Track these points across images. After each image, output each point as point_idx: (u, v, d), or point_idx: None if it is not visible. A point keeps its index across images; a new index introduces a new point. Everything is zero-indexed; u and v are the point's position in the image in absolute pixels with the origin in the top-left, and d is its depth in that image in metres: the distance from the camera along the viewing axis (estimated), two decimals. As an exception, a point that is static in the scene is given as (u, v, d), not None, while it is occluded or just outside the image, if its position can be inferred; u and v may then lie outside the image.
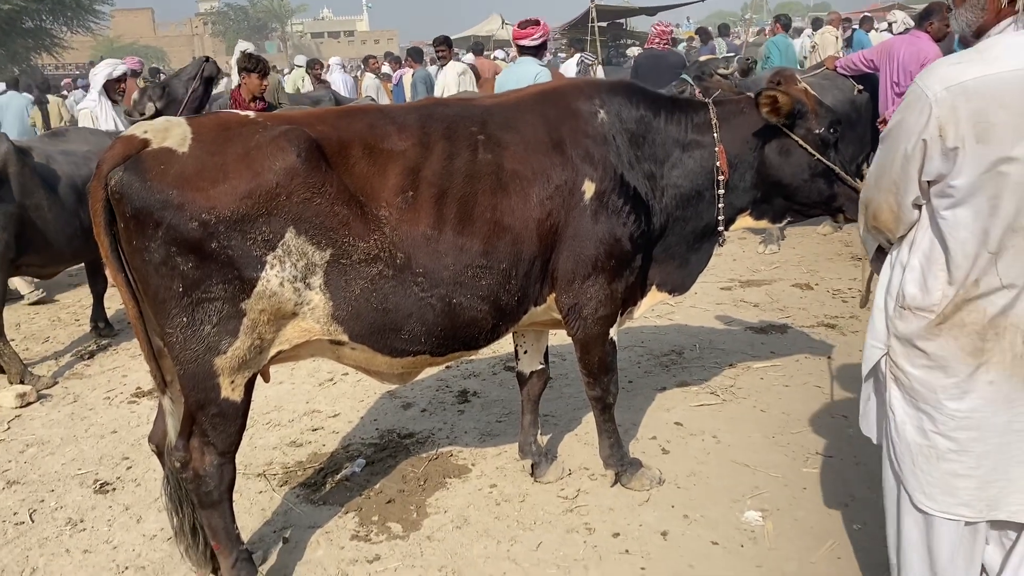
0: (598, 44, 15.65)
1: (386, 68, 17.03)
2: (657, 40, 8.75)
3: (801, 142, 3.33)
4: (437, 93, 9.15)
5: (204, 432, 2.87)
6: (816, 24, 10.20)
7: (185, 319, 2.70)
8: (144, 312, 2.79)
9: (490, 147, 3.09)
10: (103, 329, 6.28)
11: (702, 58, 8.28)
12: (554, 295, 3.29)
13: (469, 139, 3.08)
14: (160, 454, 3.11)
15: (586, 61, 10.08)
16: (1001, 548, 2.41)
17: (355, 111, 3.26)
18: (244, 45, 8.57)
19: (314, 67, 13.66)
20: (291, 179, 2.72)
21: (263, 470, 4.08)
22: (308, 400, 4.92)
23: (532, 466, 3.75)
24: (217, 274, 2.68)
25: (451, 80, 9.61)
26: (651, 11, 21.06)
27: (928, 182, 2.19)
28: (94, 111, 6.86)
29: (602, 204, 3.19)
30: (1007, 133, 2.01)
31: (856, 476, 3.64)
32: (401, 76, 13.95)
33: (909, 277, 2.29)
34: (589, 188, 3.17)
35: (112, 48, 55.87)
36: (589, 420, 4.33)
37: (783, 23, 10.28)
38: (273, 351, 2.90)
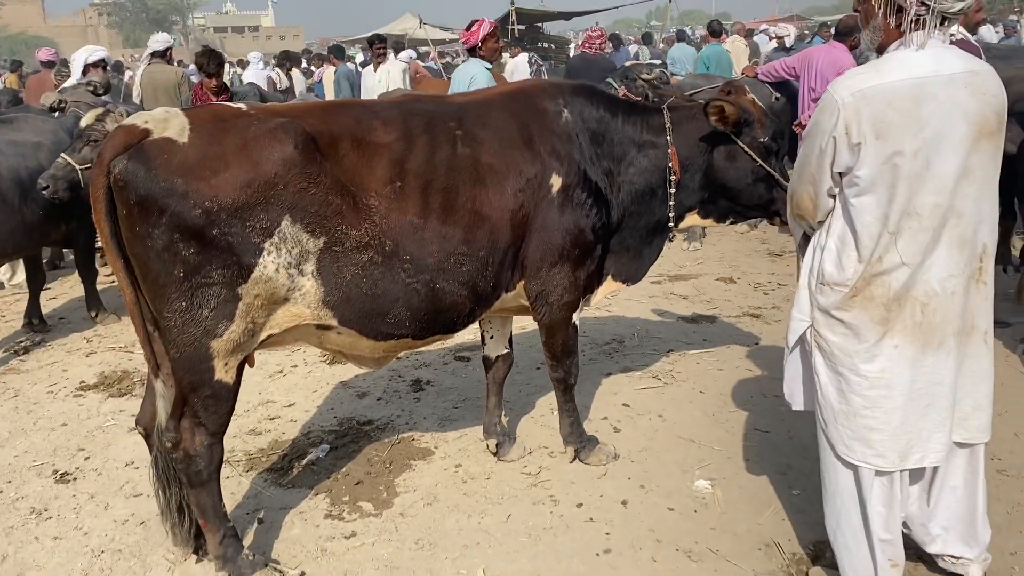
0: (509, 47, 15.94)
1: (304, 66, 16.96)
2: (587, 44, 9.10)
3: (747, 149, 3.63)
4: (380, 90, 9.19)
5: (196, 413, 2.97)
6: (713, 30, 10.49)
7: (184, 303, 2.80)
8: (140, 298, 2.88)
9: (467, 142, 3.28)
10: (37, 325, 6.14)
11: (628, 63, 8.63)
12: (523, 282, 3.50)
13: (448, 134, 3.27)
14: (147, 436, 3.17)
15: (538, 62, 10.32)
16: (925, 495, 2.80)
17: (339, 105, 3.39)
18: (161, 37, 8.42)
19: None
20: (288, 169, 2.85)
21: (227, 457, 4.07)
22: (260, 392, 4.98)
23: (496, 445, 3.95)
24: (217, 260, 2.79)
25: (397, 77, 9.71)
26: (567, 16, 21.56)
27: (840, 174, 2.56)
28: None
29: (567, 197, 3.42)
30: (898, 131, 2.41)
31: (790, 448, 3.98)
32: (322, 74, 13.95)
33: (827, 257, 2.66)
34: (556, 182, 3.40)
35: (-1, 38, 53.05)
36: (542, 404, 4.59)
37: (713, 31, 10.59)
38: (264, 335, 3.02)
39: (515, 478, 3.83)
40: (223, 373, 2.93)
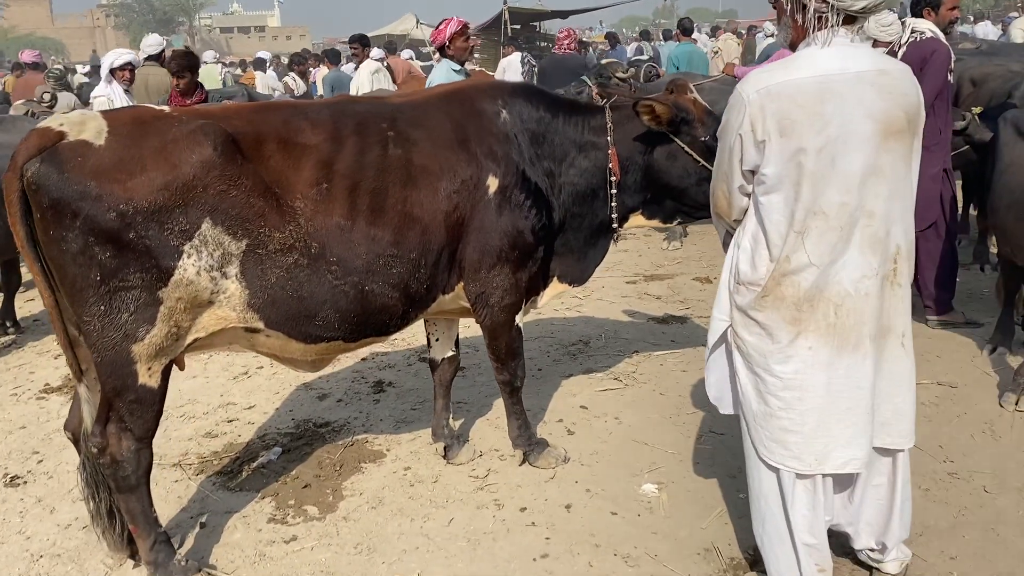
0: (501, 47, 15.91)
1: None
2: (562, 44, 9.09)
3: (687, 148, 3.58)
4: (352, 92, 9.22)
5: (121, 418, 2.95)
6: (684, 29, 10.40)
7: (103, 307, 2.77)
8: (60, 302, 2.86)
9: (400, 143, 3.25)
10: (9, 328, 6.15)
11: (604, 61, 8.60)
12: (462, 284, 3.47)
13: (380, 135, 3.24)
14: (76, 441, 3.16)
15: (531, 61, 10.29)
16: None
17: (269, 107, 3.37)
18: (152, 39, 8.41)
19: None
20: (207, 172, 2.83)
21: (179, 460, 4.13)
22: (223, 393, 4.97)
23: (445, 448, 3.92)
24: (134, 263, 2.77)
25: (364, 79, 9.71)
26: (563, 14, 21.50)
27: (750, 172, 2.54)
28: (110, 97, 7.07)
29: (505, 198, 3.39)
30: (802, 128, 2.38)
31: (743, 451, 3.93)
32: (316, 76, 13.94)
33: (742, 256, 2.64)
34: (493, 183, 3.37)
35: (7, 39, 53.31)
36: (499, 406, 4.51)
37: (684, 28, 10.57)
38: (190, 339, 3.00)
39: (462, 481, 3.79)
40: (147, 377, 2.91)
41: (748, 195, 2.60)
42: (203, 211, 2.83)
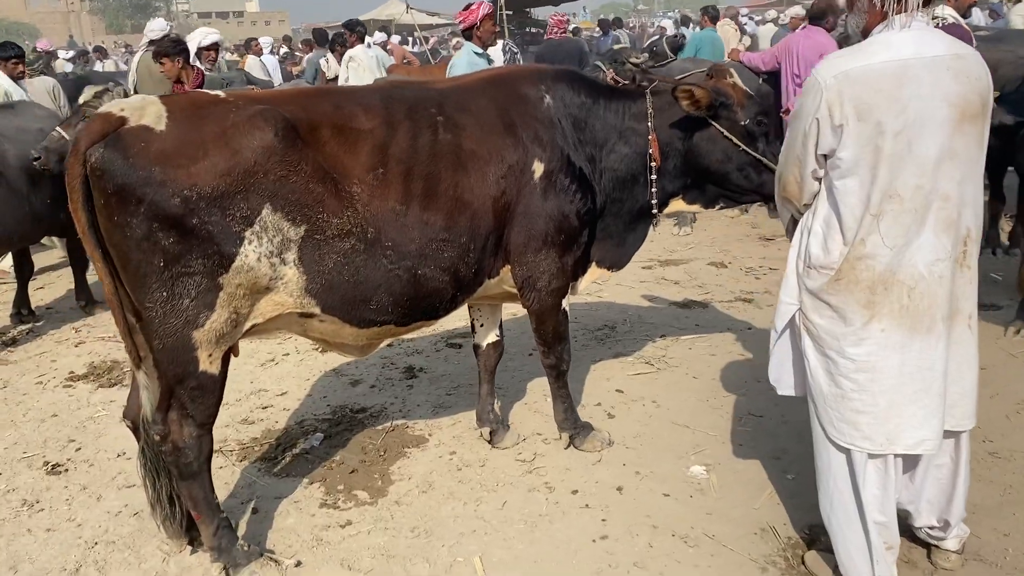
0: (506, 31, 15.84)
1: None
2: (556, 30, 9.10)
3: (726, 132, 3.59)
4: (342, 78, 9.22)
5: (183, 405, 2.94)
6: (711, 16, 10.33)
7: (165, 293, 2.76)
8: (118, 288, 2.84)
9: (449, 128, 3.25)
10: (25, 316, 6.09)
11: (616, 46, 8.61)
12: (509, 268, 3.49)
13: (430, 120, 3.24)
14: (135, 429, 3.14)
15: (512, 49, 10.25)
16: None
17: (319, 92, 3.36)
18: (156, 24, 8.29)
19: (252, 47, 13.32)
20: (268, 157, 2.82)
21: (219, 447, 4.09)
22: (252, 380, 4.95)
23: (491, 433, 3.94)
24: (197, 249, 2.76)
25: (333, 64, 9.72)
26: (556, 0, 21.45)
27: (824, 156, 2.56)
28: None
29: (550, 183, 3.40)
30: (880, 112, 2.41)
31: (784, 432, 3.99)
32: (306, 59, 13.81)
33: (813, 240, 2.66)
34: (538, 168, 3.38)
35: (-20, 24, 52.37)
36: (535, 391, 4.58)
37: (711, 16, 10.47)
38: (248, 324, 2.99)
39: (510, 465, 3.82)
40: (208, 364, 2.91)
41: (819, 180, 2.62)
42: (263, 197, 2.82)
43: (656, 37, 8.35)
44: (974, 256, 2.61)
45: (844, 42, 10.62)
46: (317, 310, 3.06)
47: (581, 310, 5.82)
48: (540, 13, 22.76)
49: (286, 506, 3.59)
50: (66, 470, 3.98)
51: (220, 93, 3.03)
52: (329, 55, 11.29)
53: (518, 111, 3.43)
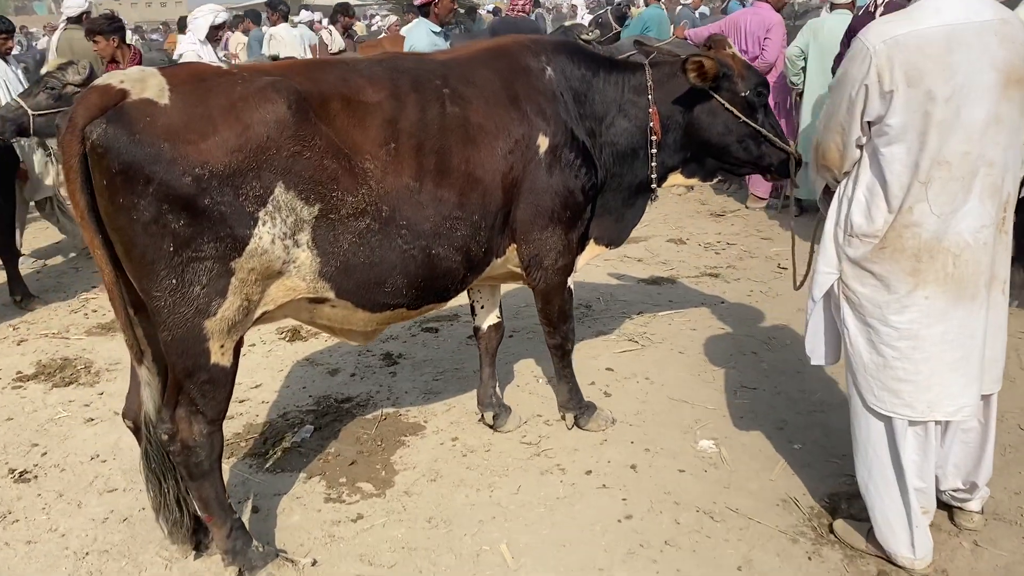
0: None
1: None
2: (515, 8, 8.93)
3: (727, 104, 3.55)
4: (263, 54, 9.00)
5: (192, 400, 2.74)
6: None
7: (174, 281, 2.55)
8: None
9: (456, 101, 3.12)
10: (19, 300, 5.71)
11: (567, 23, 8.52)
12: (514, 247, 3.38)
13: (436, 92, 3.10)
14: (136, 430, 2.91)
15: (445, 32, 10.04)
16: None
17: (323, 63, 3.17)
18: (75, 2, 7.77)
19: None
20: (281, 131, 2.63)
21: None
22: (221, 373, 4.70)
23: (493, 417, 3.84)
24: (209, 231, 2.56)
25: (289, 41, 9.44)
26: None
27: (869, 123, 2.55)
28: (199, 54, 6.73)
29: (555, 158, 3.31)
30: (930, 78, 2.41)
31: (781, 403, 4.03)
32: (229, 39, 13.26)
33: (855, 209, 2.65)
34: (543, 142, 3.27)
35: None
36: (525, 372, 4.50)
37: None
38: (258, 312, 2.81)
39: (516, 449, 3.73)
40: (219, 356, 2.71)
41: (861, 147, 2.61)
42: (276, 174, 2.63)
43: (602, 11, 8.27)
44: (1011, 221, 2.64)
45: (803, 17, 10.78)
46: (331, 295, 2.89)
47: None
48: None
49: (288, 503, 3.41)
50: (35, 477, 3.68)
51: (222, 65, 2.81)
52: (332, 28, 10.82)
53: (521, 83, 3.31)
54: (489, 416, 3.84)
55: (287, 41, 10.03)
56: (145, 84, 2.54)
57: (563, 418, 3.88)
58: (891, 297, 2.60)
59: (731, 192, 8.50)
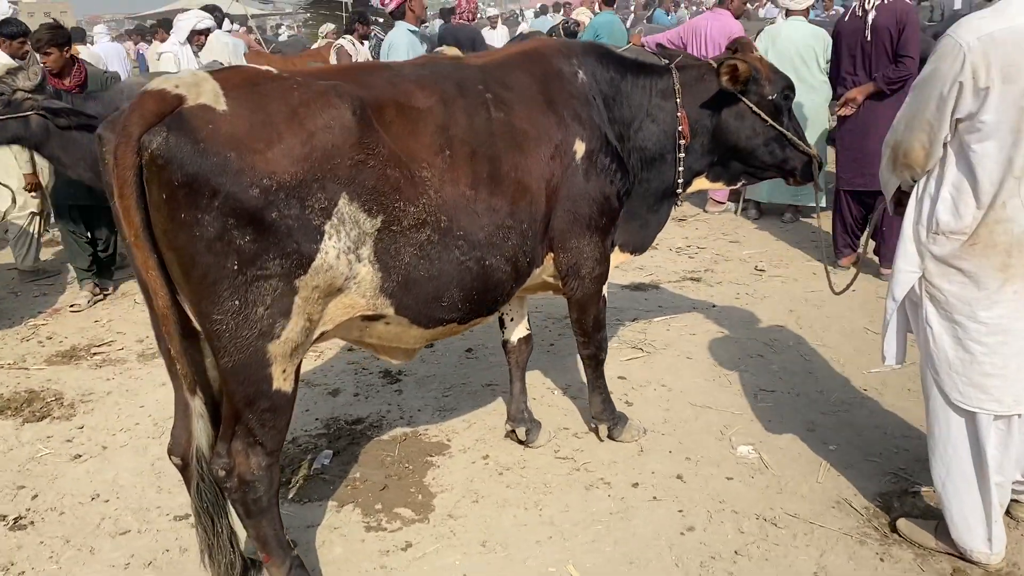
0: (344, 20, 15.26)
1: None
2: (465, 14, 8.87)
3: (755, 108, 3.55)
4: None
5: (251, 431, 2.53)
6: None
7: (238, 302, 2.35)
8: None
9: (499, 106, 3.01)
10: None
11: (524, 31, 8.47)
12: (551, 256, 3.29)
13: (480, 97, 2.98)
14: (185, 467, 2.66)
15: (379, 36, 9.81)
16: None
17: (366, 67, 3.01)
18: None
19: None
20: (345, 139, 2.47)
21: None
22: (209, 399, 4.41)
23: (526, 432, 3.71)
24: (275, 247, 2.36)
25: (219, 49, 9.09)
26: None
27: (958, 120, 2.54)
28: (177, 56, 6.74)
29: (591, 163, 3.23)
30: None
31: (803, 404, 4.04)
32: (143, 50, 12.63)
33: (941, 206, 2.65)
34: (580, 148, 3.20)
35: None
36: (539, 385, 4.39)
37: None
38: (317, 332, 2.63)
39: (552, 464, 3.61)
40: (281, 381, 2.52)
41: (944, 145, 2.61)
42: (340, 184, 2.46)
43: (556, 24, 8.23)
44: None
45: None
46: (391, 311, 2.73)
47: (540, 300, 5.63)
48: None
49: (326, 535, 3.20)
50: (31, 523, 3.35)
51: (270, 69, 2.61)
52: (354, 39, 10.27)
53: (556, 88, 3.22)
54: (522, 432, 3.71)
55: (217, 49, 9.63)
56: (200, 88, 2.33)
57: (595, 429, 3.78)
58: (981, 293, 2.61)
59: (686, 197, 8.59)
